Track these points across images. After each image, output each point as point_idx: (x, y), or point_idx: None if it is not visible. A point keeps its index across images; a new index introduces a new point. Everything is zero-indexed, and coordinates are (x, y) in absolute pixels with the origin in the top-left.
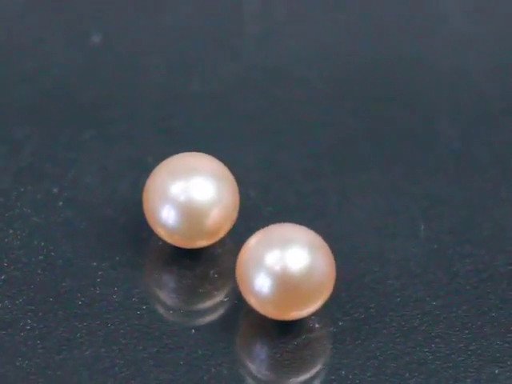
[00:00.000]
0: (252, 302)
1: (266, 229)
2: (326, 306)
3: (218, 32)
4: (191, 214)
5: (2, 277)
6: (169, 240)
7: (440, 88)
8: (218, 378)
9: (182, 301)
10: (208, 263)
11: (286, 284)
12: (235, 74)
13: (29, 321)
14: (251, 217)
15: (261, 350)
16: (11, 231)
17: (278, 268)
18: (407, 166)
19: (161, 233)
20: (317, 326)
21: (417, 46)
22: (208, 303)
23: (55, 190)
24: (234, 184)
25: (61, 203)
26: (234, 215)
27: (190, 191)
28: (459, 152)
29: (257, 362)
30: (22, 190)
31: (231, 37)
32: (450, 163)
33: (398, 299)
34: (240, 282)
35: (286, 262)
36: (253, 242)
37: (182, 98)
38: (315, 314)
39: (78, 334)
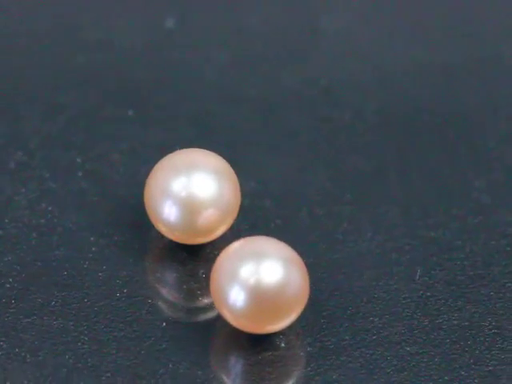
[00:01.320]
0: (226, 316)
1: (239, 242)
2: (301, 328)
3: (291, 42)
4: (191, 211)
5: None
6: (169, 236)
7: (484, 140)
8: (173, 374)
9: (164, 293)
10: (202, 261)
11: (261, 297)
12: (292, 85)
13: (10, 279)
14: (259, 226)
15: (227, 359)
16: (23, 190)
17: (252, 281)
18: (427, 209)
19: (161, 229)
20: (282, 345)
21: (479, 93)
22: (188, 301)
23: (79, 160)
24: (235, 180)
25: (80, 174)
26: (235, 211)
27: (191, 187)
28: (484, 207)
29: (218, 369)
30: (48, 153)
31: (302, 49)
32: (470, 215)
33: (374, 337)
34: (214, 296)
35: (261, 275)
36: (226, 255)
37: (231, 98)
38: (290, 327)
39: (53, 303)
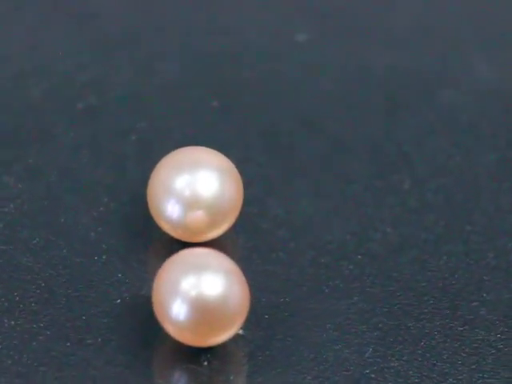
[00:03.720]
0: (169, 329)
1: (179, 254)
2: (237, 356)
3: (401, 94)
4: (194, 210)
5: (28, 162)
6: (172, 233)
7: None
8: (98, 347)
9: (135, 274)
10: None
11: (202, 310)
12: (376, 136)
13: (11, 205)
14: (260, 251)
15: (154, 358)
16: (74, 132)
17: (193, 294)
18: (421, 300)
19: (164, 227)
20: (205, 364)
21: None
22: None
23: (141, 126)
24: (238, 177)
25: (133, 138)
26: (238, 209)
27: (195, 185)
28: (476, 319)
29: (139, 362)
30: (118, 108)
31: (405, 105)
32: (457, 322)
33: None
34: (156, 310)
35: (202, 287)
36: (167, 268)
37: (313, 125)
38: (225, 352)
39: (35, 241)
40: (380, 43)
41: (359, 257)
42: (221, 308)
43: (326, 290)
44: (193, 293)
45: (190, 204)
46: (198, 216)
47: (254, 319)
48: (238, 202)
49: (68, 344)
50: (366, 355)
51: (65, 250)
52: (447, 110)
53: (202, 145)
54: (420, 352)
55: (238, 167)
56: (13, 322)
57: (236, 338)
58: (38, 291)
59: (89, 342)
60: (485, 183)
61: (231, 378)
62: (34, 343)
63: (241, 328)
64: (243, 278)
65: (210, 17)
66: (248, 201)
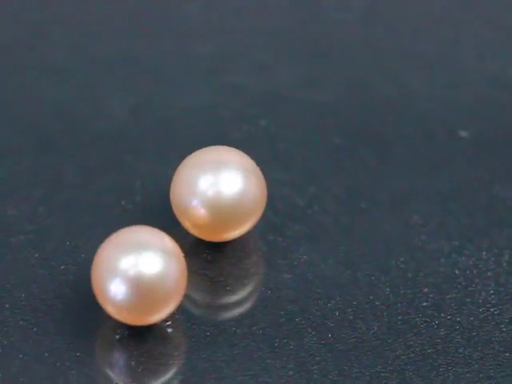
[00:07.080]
0: (109, 309)
1: (117, 234)
2: (152, 351)
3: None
4: (219, 210)
5: (136, 100)
6: (195, 233)
7: None
8: (30, 275)
9: None
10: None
11: (141, 289)
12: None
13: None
14: (254, 284)
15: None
16: (187, 98)
17: (132, 273)
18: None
19: (186, 224)
20: (117, 337)
21: None
22: None
23: (265, 122)
24: (260, 175)
25: (241, 131)
26: (261, 208)
27: (219, 185)
28: None
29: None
30: (243, 103)
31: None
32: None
33: None
34: (95, 290)
35: (140, 267)
36: (106, 248)
37: (396, 207)
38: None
39: (80, 171)
40: None
41: (329, 335)
42: (159, 286)
43: (276, 344)
44: (131, 272)
45: (218, 205)
46: (236, 214)
47: (197, 329)
48: (261, 203)
49: (32, 263)
50: None
51: (68, 198)
52: None
53: (290, 168)
54: None
55: (306, 202)
56: None
57: (167, 338)
58: (43, 212)
59: (44, 272)
60: None
61: (132, 362)
62: None
63: (170, 326)
64: (182, 257)
65: (393, 64)
66: (288, 235)
